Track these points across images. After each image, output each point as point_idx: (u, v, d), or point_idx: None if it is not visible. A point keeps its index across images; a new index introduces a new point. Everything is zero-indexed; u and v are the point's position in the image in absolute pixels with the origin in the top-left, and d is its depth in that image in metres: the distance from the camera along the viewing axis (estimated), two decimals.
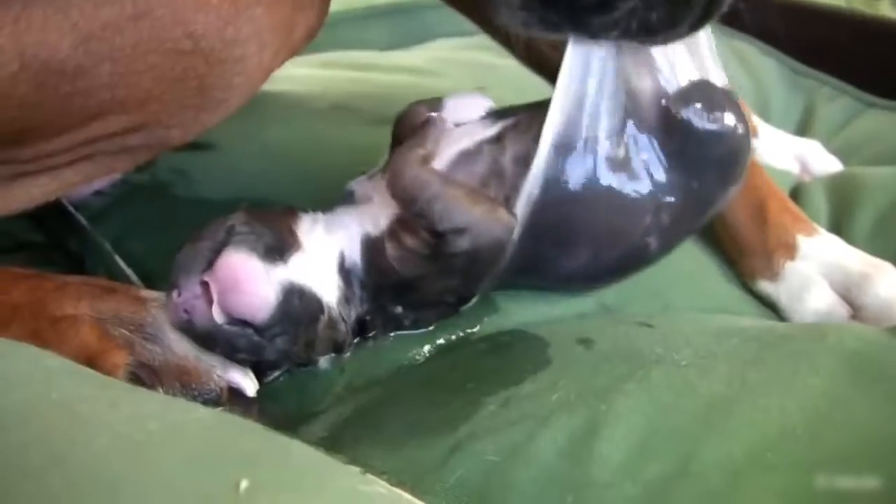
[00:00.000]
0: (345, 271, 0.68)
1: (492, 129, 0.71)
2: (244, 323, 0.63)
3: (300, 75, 1.25)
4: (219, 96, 0.68)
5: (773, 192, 0.93)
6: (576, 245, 0.70)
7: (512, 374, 0.65)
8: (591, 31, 0.64)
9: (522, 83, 1.01)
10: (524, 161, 0.67)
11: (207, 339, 0.64)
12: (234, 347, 0.64)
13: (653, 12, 0.63)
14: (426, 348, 0.73)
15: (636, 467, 0.56)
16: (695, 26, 0.65)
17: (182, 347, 0.65)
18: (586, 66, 0.66)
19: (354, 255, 0.68)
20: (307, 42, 0.74)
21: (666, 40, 0.66)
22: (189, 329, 0.64)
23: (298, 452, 0.51)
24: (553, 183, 0.66)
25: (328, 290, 0.67)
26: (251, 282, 0.63)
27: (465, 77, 1.35)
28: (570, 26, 0.64)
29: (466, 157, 0.69)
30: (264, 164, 0.92)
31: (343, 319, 0.68)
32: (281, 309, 0.64)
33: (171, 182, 0.91)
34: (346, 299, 0.68)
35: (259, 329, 0.63)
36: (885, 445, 0.58)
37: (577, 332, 0.69)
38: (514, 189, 0.67)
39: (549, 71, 0.87)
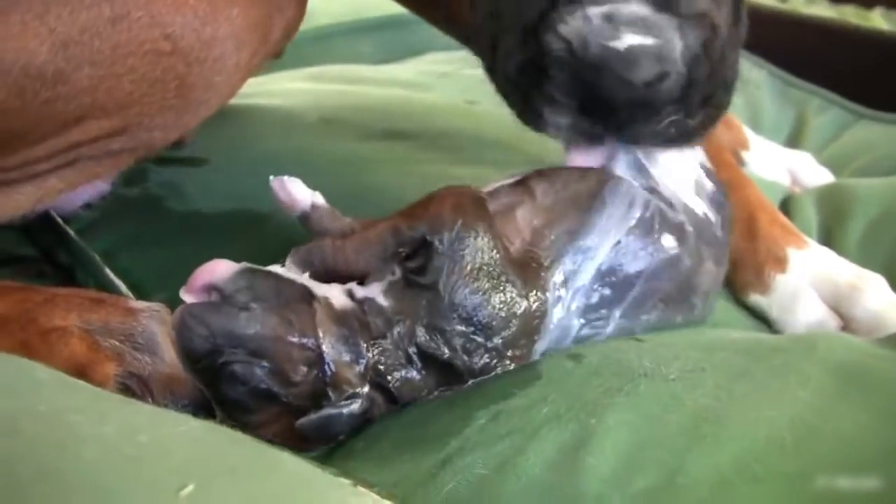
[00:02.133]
0: None
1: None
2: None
3: (291, 89, 1.25)
4: (199, 96, 0.69)
5: (763, 205, 0.93)
6: None
7: (502, 388, 0.65)
8: (635, 139, 0.69)
9: None
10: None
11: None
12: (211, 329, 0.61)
13: (691, 119, 0.68)
14: None
15: (624, 480, 0.56)
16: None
17: (173, 357, 0.65)
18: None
19: None
20: (285, 42, 0.74)
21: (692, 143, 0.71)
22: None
23: (288, 465, 0.51)
24: None
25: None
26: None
27: (455, 90, 1.36)
28: (616, 135, 0.69)
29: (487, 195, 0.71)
30: (255, 178, 0.92)
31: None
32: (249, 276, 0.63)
33: (163, 196, 0.91)
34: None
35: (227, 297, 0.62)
36: (873, 455, 0.58)
37: (567, 348, 0.69)
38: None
39: None
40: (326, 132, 1.06)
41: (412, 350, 0.64)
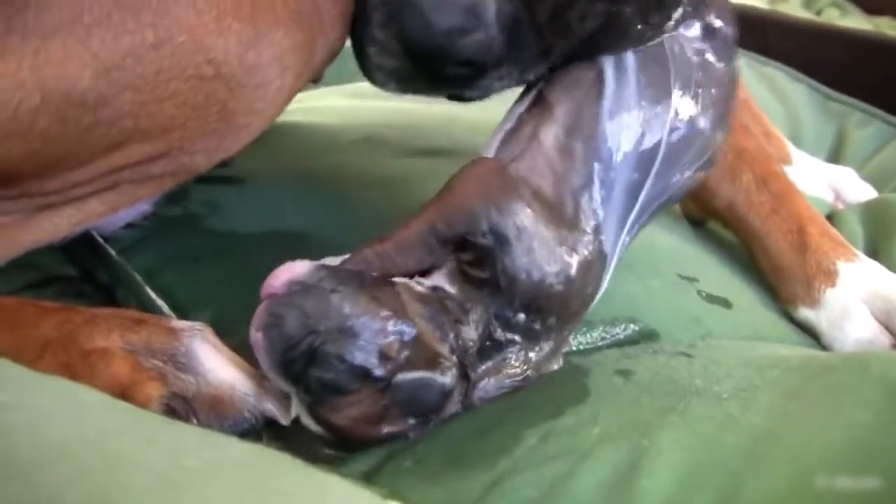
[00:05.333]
0: None
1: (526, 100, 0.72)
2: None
3: (333, 106, 1.25)
4: (241, 121, 0.68)
5: (813, 218, 0.92)
6: None
7: (552, 406, 0.64)
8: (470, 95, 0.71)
9: None
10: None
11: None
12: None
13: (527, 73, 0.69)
14: None
15: (680, 503, 0.55)
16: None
17: (216, 377, 0.65)
18: None
19: None
20: (327, 64, 0.74)
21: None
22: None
23: (337, 488, 0.50)
24: None
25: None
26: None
27: (497, 104, 1.35)
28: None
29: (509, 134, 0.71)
30: (296, 197, 0.92)
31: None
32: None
33: (203, 215, 0.90)
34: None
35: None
36: None
37: (615, 363, 0.69)
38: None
39: None
40: (367, 149, 1.05)
41: (486, 340, 0.64)
